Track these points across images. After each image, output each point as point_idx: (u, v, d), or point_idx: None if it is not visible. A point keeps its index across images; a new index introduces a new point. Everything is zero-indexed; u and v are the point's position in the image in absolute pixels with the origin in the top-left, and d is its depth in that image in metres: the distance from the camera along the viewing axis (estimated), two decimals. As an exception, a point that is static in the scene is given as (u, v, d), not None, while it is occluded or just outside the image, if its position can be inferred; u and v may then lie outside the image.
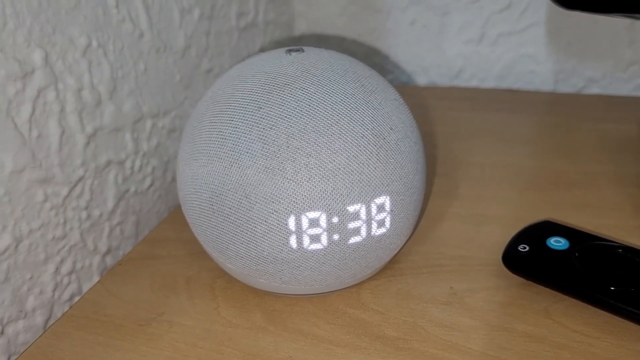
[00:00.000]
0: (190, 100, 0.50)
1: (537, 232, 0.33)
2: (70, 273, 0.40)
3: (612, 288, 0.29)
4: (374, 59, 0.67)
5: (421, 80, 0.66)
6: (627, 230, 0.37)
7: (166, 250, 0.38)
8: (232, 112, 0.29)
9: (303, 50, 0.32)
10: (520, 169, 0.46)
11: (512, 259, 0.32)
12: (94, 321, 0.32)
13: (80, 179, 0.40)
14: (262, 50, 0.62)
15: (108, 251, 0.43)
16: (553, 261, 0.31)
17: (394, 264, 0.35)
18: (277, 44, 0.65)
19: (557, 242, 0.32)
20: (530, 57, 0.61)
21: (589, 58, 0.60)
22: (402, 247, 0.35)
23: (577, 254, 0.31)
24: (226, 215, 0.29)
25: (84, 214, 0.40)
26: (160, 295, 0.34)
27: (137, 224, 0.45)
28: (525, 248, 0.32)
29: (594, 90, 0.61)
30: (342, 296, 0.33)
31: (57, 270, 0.38)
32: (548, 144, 0.50)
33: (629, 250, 0.31)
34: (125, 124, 0.43)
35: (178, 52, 0.48)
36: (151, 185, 0.46)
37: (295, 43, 0.68)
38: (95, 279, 0.41)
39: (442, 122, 0.54)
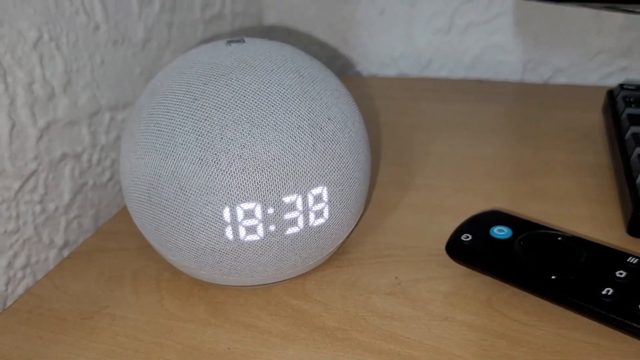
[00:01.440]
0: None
1: (481, 222, 0.33)
2: (24, 267, 0.39)
3: (552, 277, 0.29)
4: (344, 50, 0.67)
5: (391, 71, 0.66)
6: (577, 219, 0.37)
7: (117, 244, 0.38)
8: (168, 103, 0.29)
9: (244, 41, 0.31)
10: (481, 159, 0.46)
11: (455, 249, 0.32)
12: (38, 315, 0.32)
13: (33, 172, 0.39)
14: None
15: (65, 245, 0.42)
16: (495, 250, 0.31)
17: (342, 255, 0.35)
18: (246, 35, 0.64)
19: (500, 232, 0.32)
20: (499, 46, 0.61)
21: (556, 47, 0.60)
22: (350, 237, 0.35)
23: (520, 243, 0.31)
24: (163, 207, 0.29)
25: (38, 208, 0.40)
26: (106, 289, 0.34)
27: (96, 217, 0.45)
28: (468, 237, 0.32)
29: (562, 79, 0.61)
30: (287, 287, 0.33)
31: (9, 264, 0.38)
32: (512, 134, 0.50)
33: (570, 238, 0.31)
34: (81, 117, 0.43)
35: (137, 44, 0.48)
36: (110, 178, 0.46)
37: (264, 34, 0.68)
38: (52, 272, 0.41)
39: (407, 113, 0.54)
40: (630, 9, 0.38)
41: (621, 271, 0.29)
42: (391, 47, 0.65)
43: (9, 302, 0.38)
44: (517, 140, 0.48)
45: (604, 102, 0.48)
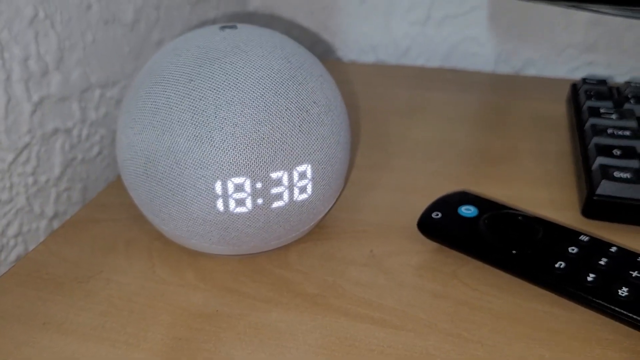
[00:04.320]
0: (139, 71, 0.52)
1: (451, 201, 0.36)
2: (16, 235, 0.41)
3: (513, 252, 0.32)
4: (325, 36, 0.69)
5: (370, 58, 0.69)
6: (538, 202, 0.40)
7: (108, 214, 0.40)
8: (165, 83, 0.31)
9: (236, 27, 0.34)
10: (452, 144, 0.49)
11: (426, 225, 0.35)
12: (36, 279, 0.34)
13: (27, 145, 0.41)
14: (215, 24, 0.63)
15: (55, 215, 0.44)
16: (462, 227, 0.34)
17: (322, 229, 0.37)
18: (231, 18, 0.66)
19: (467, 210, 0.35)
20: (473, 39, 0.64)
21: (527, 41, 0.63)
22: (330, 212, 0.38)
23: (485, 221, 0.34)
24: (159, 180, 0.31)
25: (30, 180, 0.42)
26: (100, 256, 0.36)
27: (84, 190, 0.47)
28: (438, 215, 0.35)
29: (532, 71, 0.64)
30: (270, 257, 0.35)
31: (3, 232, 0.40)
32: (483, 122, 0.53)
33: (529, 218, 0.34)
34: (73, 93, 0.45)
35: (127, 24, 0.50)
36: (99, 153, 0.48)
37: (248, 17, 0.70)
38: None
39: (385, 99, 0.57)
40: (595, 9, 0.41)
41: (573, 247, 0.32)
42: (370, 36, 0.67)
43: (2, 269, 0.40)
44: (487, 128, 0.51)
45: (568, 94, 0.51)
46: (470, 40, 0.64)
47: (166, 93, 0.31)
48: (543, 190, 0.41)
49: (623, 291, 0.29)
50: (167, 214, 0.32)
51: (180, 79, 0.31)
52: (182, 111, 0.30)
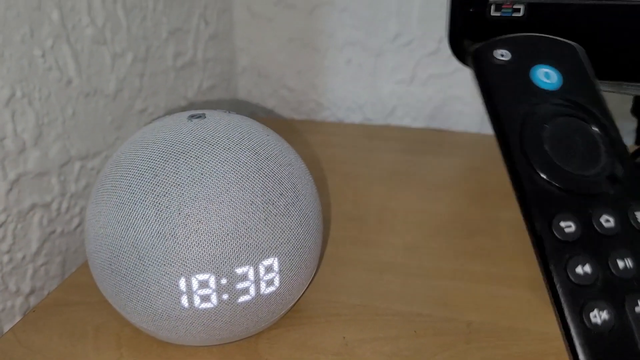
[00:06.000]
0: (122, 140, 0.52)
1: (527, 48, 0.25)
2: (-10, 315, 0.41)
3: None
4: (312, 95, 0.69)
5: (357, 116, 0.69)
6: (515, 281, 0.39)
7: (81, 296, 0.39)
8: (131, 178, 0.31)
9: (205, 117, 0.34)
10: (431, 215, 0.48)
11: (483, 63, 0.26)
12: (0, 372, 0.34)
13: (2, 224, 0.41)
14: (200, 88, 0.63)
15: (31, 292, 0.44)
16: (529, 95, 0.24)
17: (295, 313, 0.37)
18: (218, 80, 0.67)
19: (547, 76, 0.25)
20: (458, 98, 0.64)
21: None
22: (304, 293, 0.38)
23: (557, 111, 0.25)
24: (123, 275, 0.31)
25: (5, 258, 0.42)
26: (68, 345, 0.35)
27: (63, 263, 0.47)
28: (503, 57, 0.24)
29: (517, 132, 0.64)
30: (241, 346, 0.35)
31: (-24, 313, 0.40)
32: (463, 189, 0.53)
33: (613, 141, 0.25)
34: (52, 168, 0.45)
35: (109, 95, 0.50)
36: (79, 225, 0.48)
37: (236, 77, 0.70)
38: (18, 318, 0.42)
39: (368, 165, 0.57)
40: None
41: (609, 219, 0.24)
42: (357, 94, 0.68)
43: (-26, 350, 0.40)
44: (467, 196, 0.51)
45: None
46: (456, 99, 0.65)
47: (131, 188, 0.31)
48: (522, 267, 0.41)
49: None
50: (133, 308, 0.31)
51: (145, 173, 0.31)
52: (146, 207, 0.30)
